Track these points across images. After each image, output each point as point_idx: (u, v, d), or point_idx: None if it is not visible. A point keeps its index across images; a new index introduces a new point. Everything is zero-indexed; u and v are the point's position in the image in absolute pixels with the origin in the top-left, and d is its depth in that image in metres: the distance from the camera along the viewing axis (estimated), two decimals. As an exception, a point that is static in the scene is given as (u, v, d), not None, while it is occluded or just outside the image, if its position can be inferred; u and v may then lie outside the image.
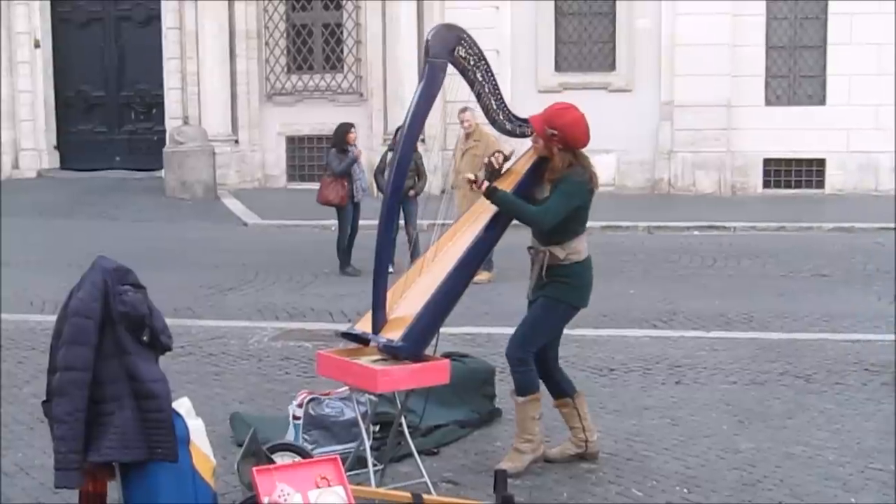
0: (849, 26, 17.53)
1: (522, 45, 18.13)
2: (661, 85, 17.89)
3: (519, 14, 18.10)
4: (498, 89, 5.22)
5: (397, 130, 11.31)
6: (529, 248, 5.40)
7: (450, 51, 4.94)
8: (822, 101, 17.86)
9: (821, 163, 17.90)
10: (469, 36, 5.04)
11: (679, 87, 17.68)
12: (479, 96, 5.19)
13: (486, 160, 5.52)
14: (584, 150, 5.33)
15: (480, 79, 5.12)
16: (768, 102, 18.02)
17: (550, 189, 5.24)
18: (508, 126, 5.33)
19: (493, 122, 5.35)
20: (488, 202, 5.21)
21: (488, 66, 5.13)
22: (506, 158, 5.52)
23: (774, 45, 17.96)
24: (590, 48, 18.40)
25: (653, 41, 17.90)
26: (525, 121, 5.34)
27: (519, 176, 5.35)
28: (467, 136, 11.26)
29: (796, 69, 17.99)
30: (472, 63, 5.05)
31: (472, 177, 5.27)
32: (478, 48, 5.06)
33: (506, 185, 5.30)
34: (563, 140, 5.18)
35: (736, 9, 17.56)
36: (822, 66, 17.88)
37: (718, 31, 17.45)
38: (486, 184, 5.17)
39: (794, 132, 17.64)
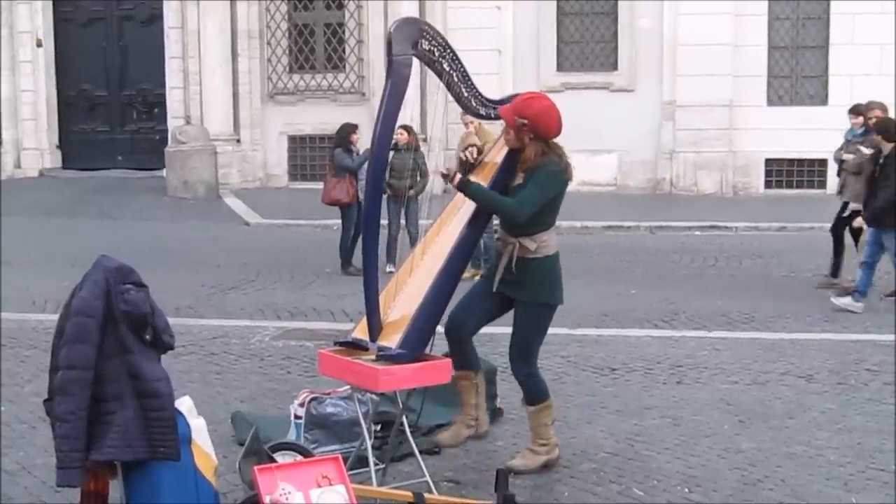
0: (851, 26, 17.53)
1: (524, 44, 18.14)
2: (663, 85, 17.90)
3: (521, 14, 18.11)
4: (467, 75, 5.17)
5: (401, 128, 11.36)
6: (497, 238, 5.34)
7: (413, 45, 4.90)
8: (824, 102, 17.85)
9: (822, 163, 17.86)
10: (431, 27, 5.01)
11: (681, 87, 17.69)
12: (449, 86, 5.15)
13: (458, 155, 5.49)
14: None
15: (448, 68, 5.08)
16: (770, 103, 18.02)
17: (524, 178, 5.16)
18: (483, 111, 5.30)
19: (467, 109, 5.32)
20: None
21: (454, 54, 5.08)
22: (480, 152, 5.51)
23: (776, 46, 17.96)
24: (592, 48, 18.41)
25: (655, 41, 17.90)
26: (499, 102, 5.32)
27: (494, 167, 5.31)
28: (469, 135, 11.25)
29: (798, 69, 18.00)
30: (437, 54, 5.01)
31: (444, 170, 5.25)
32: (441, 38, 5.01)
33: (481, 177, 5.27)
34: (533, 129, 5.11)
35: (738, 9, 17.56)
36: (824, 67, 17.89)
37: (720, 31, 17.45)
38: (458, 177, 5.14)
39: (795, 132, 17.64)
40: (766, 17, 17.84)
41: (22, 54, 19.51)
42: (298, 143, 19.22)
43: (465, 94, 5.21)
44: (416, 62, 4.97)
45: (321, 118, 18.33)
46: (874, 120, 10.24)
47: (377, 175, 4.95)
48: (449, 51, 5.05)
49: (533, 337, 5.34)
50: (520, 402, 5.56)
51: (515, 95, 5.41)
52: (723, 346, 8.16)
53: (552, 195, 5.16)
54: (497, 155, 5.38)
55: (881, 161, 9.60)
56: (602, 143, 16.99)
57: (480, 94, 5.27)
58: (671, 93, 17.86)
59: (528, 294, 5.24)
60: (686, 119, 17.76)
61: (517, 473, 5.23)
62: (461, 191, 5.14)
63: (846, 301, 9.62)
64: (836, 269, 10.78)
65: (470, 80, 5.19)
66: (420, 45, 4.93)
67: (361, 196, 11.73)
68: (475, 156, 5.42)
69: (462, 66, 5.13)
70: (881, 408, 6.54)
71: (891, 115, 10.65)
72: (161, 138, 19.25)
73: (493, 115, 5.34)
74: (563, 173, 5.20)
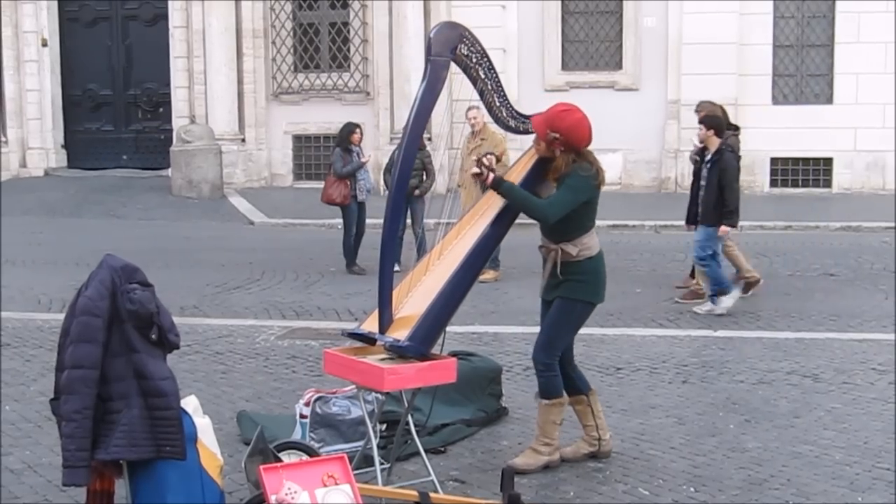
0: (856, 25, 17.50)
1: (529, 43, 18.14)
2: (668, 83, 17.87)
3: (525, 13, 18.11)
4: (500, 86, 5.21)
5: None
6: (540, 246, 5.40)
7: (452, 49, 4.93)
8: (830, 100, 17.83)
9: (828, 162, 17.88)
10: (471, 33, 5.03)
11: (686, 86, 17.64)
12: (481, 94, 5.17)
13: (478, 159, 5.49)
14: (590, 148, 5.32)
15: (483, 76, 5.11)
16: (775, 101, 18.00)
17: (557, 186, 5.22)
18: (512, 123, 5.32)
19: (497, 120, 5.34)
20: (493, 198, 5.22)
21: (490, 63, 5.12)
22: (498, 160, 5.53)
23: (781, 44, 17.93)
24: (596, 47, 18.39)
25: (659, 40, 17.88)
26: (528, 117, 5.34)
27: (522, 174, 5.34)
28: (474, 134, 11.26)
29: (803, 68, 17.97)
30: (474, 61, 5.04)
31: (477, 170, 5.26)
32: (480, 45, 5.04)
33: (511, 181, 5.30)
34: (565, 143, 5.17)
35: (743, 7, 17.53)
36: (829, 65, 17.86)
37: (725, 30, 17.42)
38: (491, 175, 5.16)
39: (801, 131, 17.62)
40: (770, 16, 17.81)
41: (27, 54, 19.52)
42: (303, 143, 19.22)
43: (497, 104, 5.23)
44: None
45: (326, 117, 18.33)
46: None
47: (404, 173, 4.95)
48: (486, 59, 5.08)
49: (560, 329, 5.37)
50: (526, 400, 5.56)
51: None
52: (728, 346, 8.16)
53: (582, 199, 5.21)
54: (527, 162, 5.40)
55: (708, 158, 9.57)
56: (606, 142, 16.86)
57: (512, 106, 5.30)
58: (676, 91, 17.83)
59: (567, 290, 5.31)
60: (691, 118, 17.54)
61: (518, 472, 5.23)
62: (494, 189, 5.16)
63: (708, 307, 9.46)
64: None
65: (503, 90, 5.23)
66: (459, 49, 4.96)
67: (361, 197, 11.79)
68: (493, 163, 5.44)
69: (496, 76, 5.16)
70: (887, 407, 6.52)
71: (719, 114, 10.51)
72: (166, 138, 19.27)
73: (521, 129, 5.35)
74: (593, 179, 5.24)
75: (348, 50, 18.89)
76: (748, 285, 9.99)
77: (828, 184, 17.90)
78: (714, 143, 9.48)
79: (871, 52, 17.33)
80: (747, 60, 17.58)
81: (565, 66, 18.31)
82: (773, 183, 18.06)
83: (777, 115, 17.82)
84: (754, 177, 18.01)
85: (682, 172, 17.91)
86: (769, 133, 17.70)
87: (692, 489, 5.20)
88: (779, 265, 12.14)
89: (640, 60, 18.04)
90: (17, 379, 7.11)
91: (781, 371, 7.38)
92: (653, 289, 10.65)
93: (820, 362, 7.61)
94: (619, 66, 18.22)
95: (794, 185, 17.99)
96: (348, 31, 18.87)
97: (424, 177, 11.64)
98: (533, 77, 17.87)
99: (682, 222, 15.04)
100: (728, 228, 9.44)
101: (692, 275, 10.44)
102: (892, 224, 14.39)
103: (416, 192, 11.50)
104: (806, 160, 17.94)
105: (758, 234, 14.52)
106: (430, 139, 15.70)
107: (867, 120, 17.52)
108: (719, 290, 9.39)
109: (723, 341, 8.30)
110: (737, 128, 10.63)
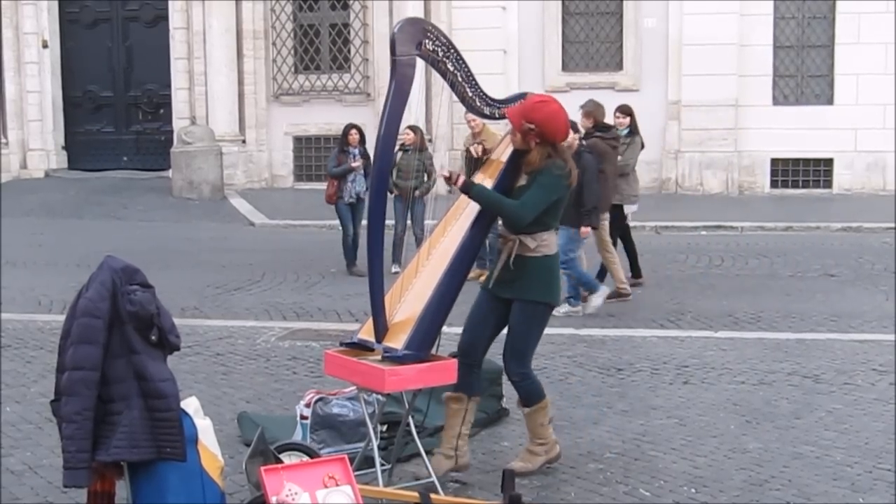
0: (856, 26, 17.51)
1: (529, 44, 18.14)
2: (669, 84, 17.88)
3: (526, 13, 18.12)
4: (471, 75, 5.16)
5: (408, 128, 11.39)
6: (499, 235, 5.32)
7: (416, 45, 4.89)
8: (830, 101, 17.84)
9: (828, 162, 17.88)
10: (434, 27, 4.99)
11: (686, 87, 17.67)
12: (452, 85, 5.13)
13: (464, 149, 5.49)
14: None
15: (452, 68, 5.07)
16: (776, 102, 18.00)
17: (528, 180, 5.15)
18: (487, 110, 5.29)
19: (471, 109, 5.30)
20: None
21: (458, 54, 5.07)
22: (486, 150, 5.50)
23: (782, 45, 17.94)
24: (597, 48, 18.40)
25: (660, 40, 17.89)
26: (503, 102, 5.31)
27: (500, 166, 5.30)
28: (474, 136, 11.25)
29: (804, 69, 17.97)
30: (440, 54, 5.00)
31: (447, 173, 5.22)
32: (445, 38, 5.00)
33: (487, 175, 5.27)
34: (540, 134, 5.10)
35: (743, 8, 17.54)
36: (829, 66, 17.87)
37: (726, 31, 17.43)
38: (461, 179, 5.12)
39: (801, 132, 17.62)
40: (771, 17, 17.81)
41: (28, 55, 19.52)
42: (304, 144, 19.23)
43: (470, 94, 5.19)
44: (420, 63, 4.97)
45: (326, 119, 18.35)
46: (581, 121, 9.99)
47: (381, 176, 4.94)
48: (453, 51, 5.04)
49: (528, 336, 5.28)
50: (516, 403, 5.54)
51: (520, 94, 5.40)
52: (729, 346, 8.15)
53: (554, 198, 5.14)
54: (503, 154, 5.37)
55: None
56: (607, 143, 16.95)
57: (485, 94, 5.26)
58: (676, 92, 17.84)
59: (525, 292, 5.20)
60: (691, 119, 17.74)
61: (518, 475, 5.22)
62: (465, 193, 5.12)
63: (565, 309, 9.29)
64: (636, 270, 10.70)
65: (474, 79, 5.18)
66: (424, 45, 4.92)
67: (346, 199, 11.84)
68: (480, 153, 5.41)
69: (466, 65, 5.12)
70: (888, 408, 6.52)
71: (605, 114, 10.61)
72: (166, 139, 19.27)
73: (496, 115, 5.33)
74: (565, 178, 5.17)
75: (349, 51, 18.90)
76: (618, 295, 9.98)
77: (828, 184, 17.91)
78: (576, 144, 9.48)
79: (871, 52, 17.33)
80: (748, 61, 17.59)
81: (566, 67, 18.31)
82: (774, 184, 18.06)
83: (777, 115, 17.83)
84: (755, 177, 18.03)
85: (683, 173, 17.94)
86: (769, 134, 17.72)
87: (693, 490, 5.20)
88: (779, 266, 12.13)
89: (640, 61, 18.05)
90: (17, 380, 7.11)
91: (782, 372, 7.38)
92: (653, 289, 10.64)
93: (821, 363, 7.61)
94: (619, 66, 18.22)
95: (795, 185, 17.99)
96: (349, 33, 18.88)
97: (426, 178, 11.64)
98: (533, 78, 17.85)
99: (684, 223, 15.21)
100: (588, 229, 9.35)
101: (635, 274, 10.69)
102: (893, 225, 14.39)
103: (417, 192, 11.52)
104: (806, 161, 17.94)
105: (758, 235, 14.54)
106: (430, 140, 15.71)
107: (867, 120, 17.52)
108: (589, 290, 9.39)
109: (723, 342, 8.30)
110: (610, 129, 10.57)
